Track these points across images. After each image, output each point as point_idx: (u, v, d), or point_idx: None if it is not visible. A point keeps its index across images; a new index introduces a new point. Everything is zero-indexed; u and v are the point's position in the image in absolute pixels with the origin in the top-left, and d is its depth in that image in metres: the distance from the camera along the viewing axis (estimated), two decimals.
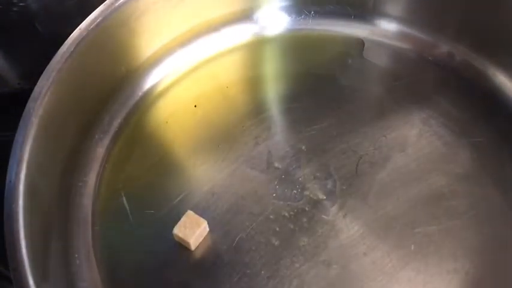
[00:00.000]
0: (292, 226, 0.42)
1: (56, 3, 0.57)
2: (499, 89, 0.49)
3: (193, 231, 0.40)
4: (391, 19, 0.54)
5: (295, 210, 0.43)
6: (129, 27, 0.47)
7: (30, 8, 0.56)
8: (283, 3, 0.54)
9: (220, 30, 0.54)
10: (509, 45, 0.49)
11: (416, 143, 0.46)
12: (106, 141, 0.47)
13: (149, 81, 0.51)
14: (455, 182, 0.44)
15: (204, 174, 0.45)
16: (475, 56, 0.51)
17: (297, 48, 0.54)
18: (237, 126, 0.48)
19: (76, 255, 0.40)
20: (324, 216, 0.42)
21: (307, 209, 0.43)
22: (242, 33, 0.54)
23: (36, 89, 0.39)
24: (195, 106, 0.49)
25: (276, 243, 0.41)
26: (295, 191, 0.44)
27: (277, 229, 0.42)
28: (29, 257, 0.34)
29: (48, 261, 0.37)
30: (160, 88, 0.51)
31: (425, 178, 0.44)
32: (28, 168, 0.37)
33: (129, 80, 0.49)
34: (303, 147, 0.46)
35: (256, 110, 0.49)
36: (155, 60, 0.51)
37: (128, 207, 0.43)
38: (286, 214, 0.42)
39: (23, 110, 0.38)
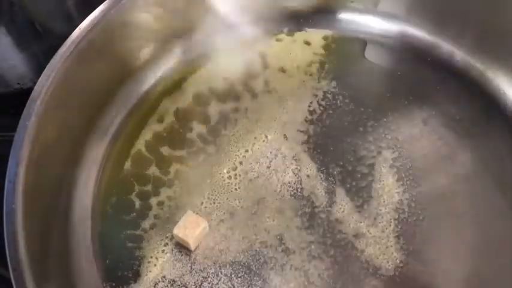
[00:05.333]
0: (292, 225, 0.42)
1: (56, 3, 0.57)
2: (499, 89, 0.49)
3: (193, 231, 0.40)
4: (392, 19, 0.54)
5: (296, 210, 0.43)
6: (129, 27, 0.47)
7: (30, 8, 0.56)
8: (285, 3, 0.54)
9: (221, 29, 0.54)
10: (509, 45, 0.49)
11: (416, 143, 0.46)
12: (106, 141, 0.47)
13: (149, 81, 0.51)
14: (455, 182, 0.44)
15: (204, 174, 0.45)
16: (475, 56, 0.51)
17: (298, 48, 0.54)
18: (237, 127, 0.48)
19: (76, 255, 0.40)
20: (324, 216, 0.42)
21: (307, 209, 0.43)
22: (243, 33, 0.54)
23: (36, 89, 0.39)
24: (196, 106, 0.49)
25: (276, 243, 0.41)
26: (295, 191, 0.44)
27: (278, 229, 0.42)
28: (29, 257, 0.34)
29: (48, 261, 0.37)
30: (160, 88, 0.51)
31: (425, 178, 0.44)
32: (28, 168, 0.37)
33: (129, 80, 0.49)
34: (303, 147, 0.46)
35: (257, 111, 0.49)
36: (155, 60, 0.51)
37: (127, 207, 0.43)
38: (286, 214, 0.42)
39: (23, 110, 0.38)
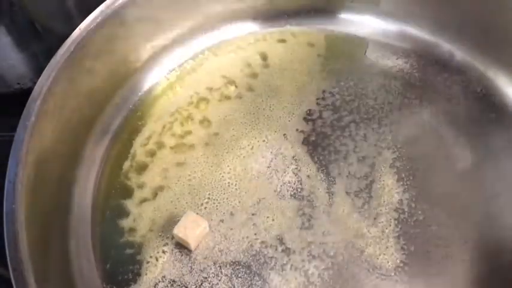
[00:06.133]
0: (292, 225, 0.42)
1: (56, 3, 0.57)
2: (499, 89, 0.49)
3: (193, 231, 0.40)
4: (392, 19, 0.54)
5: (296, 210, 0.43)
6: (129, 27, 0.47)
7: (30, 8, 0.56)
8: (286, 3, 0.54)
9: (220, 28, 0.54)
10: (509, 45, 0.49)
11: (416, 142, 0.46)
12: (106, 141, 0.47)
13: (149, 81, 0.51)
14: (455, 181, 0.44)
15: (204, 174, 0.45)
16: (475, 56, 0.51)
17: (298, 48, 0.54)
18: (237, 127, 0.48)
19: (76, 255, 0.40)
20: (323, 216, 0.42)
21: (307, 209, 0.43)
22: (243, 32, 0.54)
23: (36, 88, 0.39)
24: (195, 106, 0.49)
25: (276, 243, 0.41)
26: (295, 191, 0.44)
27: (277, 229, 0.42)
28: (29, 257, 0.34)
29: (48, 261, 0.37)
30: (160, 88, 0.51)
31: (425, 177, 0.44)
32: (28, 168, 0.37)
33: (129, 80, 0.49)
34: (303, 147, 0.46)
35: (257, 111, 0.49)
36: (155, 60, 0.51)
37: (127, 207, 0.43)
38: (287, 213, 0.42)
39: (23, 110, 0.38)
